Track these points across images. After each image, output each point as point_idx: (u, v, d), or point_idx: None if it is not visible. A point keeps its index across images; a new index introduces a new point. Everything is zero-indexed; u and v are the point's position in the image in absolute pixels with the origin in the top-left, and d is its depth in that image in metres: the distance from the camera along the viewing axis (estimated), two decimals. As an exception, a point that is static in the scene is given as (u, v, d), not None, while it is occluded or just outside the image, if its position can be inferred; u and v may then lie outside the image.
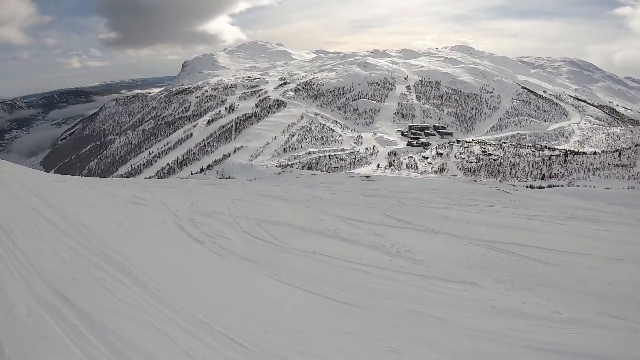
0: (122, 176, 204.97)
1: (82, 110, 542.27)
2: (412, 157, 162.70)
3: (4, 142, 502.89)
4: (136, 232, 8.85)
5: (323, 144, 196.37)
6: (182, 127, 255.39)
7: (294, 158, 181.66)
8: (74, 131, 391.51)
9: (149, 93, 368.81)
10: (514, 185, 52.96)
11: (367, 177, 23.90)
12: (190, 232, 9.52)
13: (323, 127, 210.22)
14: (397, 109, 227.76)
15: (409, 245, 9.11)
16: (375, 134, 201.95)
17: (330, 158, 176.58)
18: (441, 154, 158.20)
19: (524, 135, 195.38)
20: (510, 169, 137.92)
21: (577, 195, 24.22)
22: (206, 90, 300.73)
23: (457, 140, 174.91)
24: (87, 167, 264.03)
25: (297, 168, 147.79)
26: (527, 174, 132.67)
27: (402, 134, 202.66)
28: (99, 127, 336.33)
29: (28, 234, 7.38)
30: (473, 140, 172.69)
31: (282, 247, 8.79)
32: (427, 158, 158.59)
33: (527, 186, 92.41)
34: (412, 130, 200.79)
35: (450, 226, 11.70)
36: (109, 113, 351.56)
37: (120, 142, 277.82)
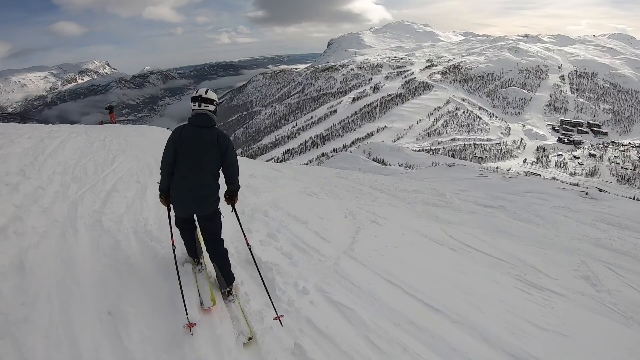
0: (266, 146, 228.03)
1: (230, 82, 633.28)
2: (562, 155, 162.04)
3: (158, 107, 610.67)
4: None
5: (469, 131, 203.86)
6: (326, 103, 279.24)
7: (438, 143, 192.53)
8: (223, 101, 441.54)
9: (295, 69, 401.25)
10: None
11: (586, 193, 20.17)
12: None
13: (470, 113, 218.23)
14: (548, 101, 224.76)
15: None
16: (524, 125, 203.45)
17: (475, 147, 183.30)
18: (594, 155, 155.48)
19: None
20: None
21: None
22: (352, 69, 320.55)
23: (612, 142, 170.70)
24: (233, 135, 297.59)
25: (441, 154, 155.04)
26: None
27: (553, 128, 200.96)
28: (247, 98, 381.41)
29: None
30: (630, 143, 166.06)
31: None
32: (578, 158, 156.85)
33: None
34: (563, 126, 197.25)
35: None
36: (256, 86, 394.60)
37: (265, 113, 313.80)
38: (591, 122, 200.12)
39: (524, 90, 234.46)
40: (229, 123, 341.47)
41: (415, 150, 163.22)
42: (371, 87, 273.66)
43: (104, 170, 9.88)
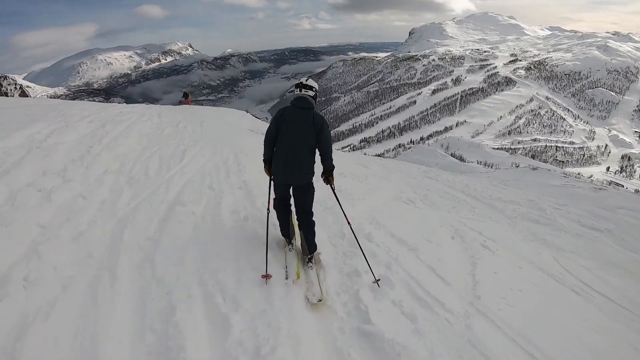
0: (343, 133, 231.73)
1: (310, 67, 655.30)
2: None
3: (238, 89, 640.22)
4: None
5: (551, 132, 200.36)
6: (406, 93, 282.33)
7: (518, 142, 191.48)
8: None
9: (376, 57, 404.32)
10: None
11: None
12: None
13: (553, 113, 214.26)
14: (638, 106, 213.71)
15: None
16: (610, 131, 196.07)
17: (557, 150, 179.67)
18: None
19: None
20: None
21: None
22: (433, 60, 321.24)
23: None
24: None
25: (521, 154, 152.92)
26: None
27: None
28: (326, 84, 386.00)
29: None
30: None
31: None
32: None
33: None
34: None
35: None
36: (336, 72, 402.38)
37: (344, 100, 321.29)
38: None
39: (612, 93, 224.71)
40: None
41: (494, 148, 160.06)
42: (452, 79, 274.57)
43: (169, 169, 8.60)
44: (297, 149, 4.87)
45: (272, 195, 5.37)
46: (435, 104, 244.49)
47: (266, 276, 4.56)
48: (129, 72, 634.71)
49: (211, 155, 10.68)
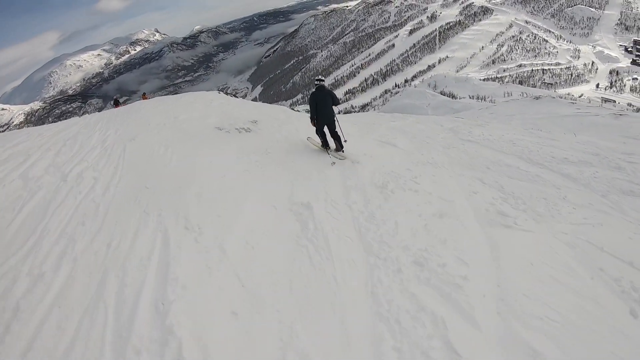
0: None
1: (282, 29, 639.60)
2: (637, 78, 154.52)
3: (213, 64, 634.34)
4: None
5: (535, 56, 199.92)
6: (383, 38, 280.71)
7: (504, 70, 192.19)
8: (277, 48, 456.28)
9: (347, 6, 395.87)
10: None
11: None
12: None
13: (535, 37, 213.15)
14: (619, 19, 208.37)
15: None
16: (594, 47, 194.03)
17: (543, 72, 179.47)
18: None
19: None
20: None
21: None
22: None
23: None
24: (291, 81, 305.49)
25: (507, 82, 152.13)
26: None
27: (626, 49, 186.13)
28: (300, 42, 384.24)
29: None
30: None
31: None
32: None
33: None
34: (637, 46, 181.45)
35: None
36: (309, 29, 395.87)
37: (322, 55, 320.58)
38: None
39: (592, 9, 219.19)
40: (287, 69, 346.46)
41: (481, 80, 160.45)
42: (427, 16, 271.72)
43: None
44: (328, 109, 9.55)
45: (317, 133, 10.23)
46: (414, 44, 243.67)
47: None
48: (101, 70, 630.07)
49: (87, 309, 4.20)
